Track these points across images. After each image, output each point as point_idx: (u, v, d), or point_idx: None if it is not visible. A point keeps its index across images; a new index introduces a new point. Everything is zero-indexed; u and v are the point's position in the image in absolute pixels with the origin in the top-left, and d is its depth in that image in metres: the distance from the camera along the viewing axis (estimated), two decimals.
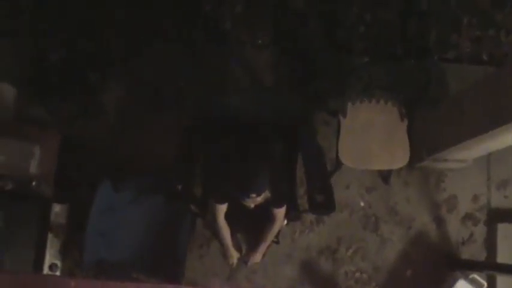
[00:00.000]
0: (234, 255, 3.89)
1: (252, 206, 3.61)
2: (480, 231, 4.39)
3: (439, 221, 4.36)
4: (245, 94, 4.23)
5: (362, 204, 4.35)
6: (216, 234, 3.89)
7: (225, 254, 3.89)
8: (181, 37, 4.31)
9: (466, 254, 4.34)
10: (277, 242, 3.98)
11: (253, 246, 3.89)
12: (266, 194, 3.57)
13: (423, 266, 4.29)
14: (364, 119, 4.00)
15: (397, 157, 3.99)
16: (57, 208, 3.91)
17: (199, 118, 3.95)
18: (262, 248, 3.87)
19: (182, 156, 3.89)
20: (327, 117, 4.30)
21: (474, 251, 4.35)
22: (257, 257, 3.88)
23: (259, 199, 3.55)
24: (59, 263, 3.88)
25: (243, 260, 3.91)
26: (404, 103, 4.00)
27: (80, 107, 4.12)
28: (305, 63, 4.38)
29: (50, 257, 3.89)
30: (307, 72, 4.36)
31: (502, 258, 4.29)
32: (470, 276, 4.16)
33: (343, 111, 4.00)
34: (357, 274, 4.25)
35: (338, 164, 4.11)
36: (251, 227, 3.90)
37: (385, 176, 4.34)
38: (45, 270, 3.84)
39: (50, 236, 3.89)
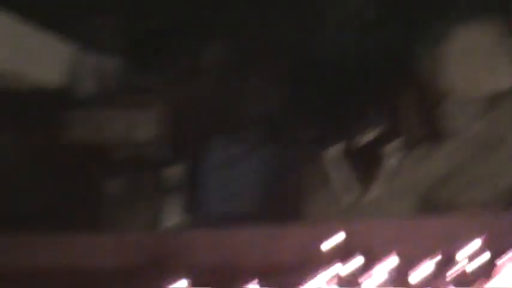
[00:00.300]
0: (345, 196, 3.90)
1: (360, 145, 3.60)
2: None
3: None
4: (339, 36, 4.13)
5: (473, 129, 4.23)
6: (329, 178, 3.90)
7: (338, 197, 3.91)
8: None
9: None
10: (387, 178, 3.96)
11: (366, 187, 3.89)
12: (376, 131, 3.55)
13: None
14: (468, 42, 3.92)
15: (503, 77, 3.91)
16: (173, 169, 3.98)
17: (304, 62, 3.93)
18: (376, 185, 3.87)
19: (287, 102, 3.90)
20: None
21: None
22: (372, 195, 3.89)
23: (368, 137, 3.54)
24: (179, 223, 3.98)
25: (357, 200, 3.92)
26: (506, 21, 3.87)
27: (183, 69, 4.14)
28: None
29: (170, 217, 3.97)
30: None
31: None
32: None
33: (445, 36, 3.91)
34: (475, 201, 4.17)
35: (446, 91, 4.02)
36: (363, 166, 3.90)
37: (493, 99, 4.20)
38: None
39: (168, 197, 3.98)
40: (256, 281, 2.70)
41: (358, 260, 2.59)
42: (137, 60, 4.08)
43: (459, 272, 2.16)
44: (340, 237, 2.81)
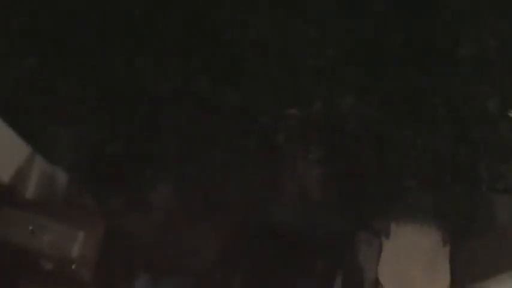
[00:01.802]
0: None
1: None
2: None
3: None
4: (291, 207, 4.26)
5: None
6: None
7: None
8: (236, 147, 4.39)
9: None
10: None
11: None
12: None
13: None
14: (407, 242, 3.99)
15: (438, 283, 3.93)
16: None
17: (244, 226, 3.99)
18: None
19: (222, 261, 3.90)
20: (370, 238, 4.26)
21: None
22: None
23: None
24: None
25: None
26: (448, 230, 3.99)
27: (128, 200, 4.17)
28: (353, 183, 4.42)
29: None
30: (354, 192, 4.39)
31: None
32: None
33: (386, 233, 4.00)
34: None
35: (377, 286, 4.05)
36: None
37: None
38: None
39: None
40: None
41: None
42: (86, 181, 4.12)
43: None
44: None
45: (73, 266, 3.77)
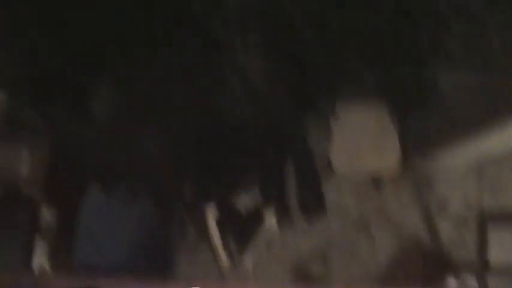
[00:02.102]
0: (225, 259, 3.88)
1: (243, 209, 3.61)
2: (471, 233, 4.37)
3: (430, 223, 4.34)
4: (236, 96, 4.21)
5: (353, 207, 4.31)
6: (206, 238, 3.87)
7: (215, 258, 3.87)
8: (172, 43, 4.26)
9: (457, 256, 4.31)
10: (266, 246, 3.96)
11: (243, 250, 3.88)
12: (256, 197, 3.57)
13: (415, 268, 4.26)
14: (355, 121, 4.00)
15: (388, 160, 3.99)
16: (46, 212, 3.88)
17: (191, 123, 3.95)
18: (252, 251, 3.86)
19: (173, 160, 3.88)
20: (318, 121, 4.26)
21: (465, 253, 4.33)
22: (247, 261, 3.87)
23: (249, 202, 3.55)
24: (47, 267, 3.85)
25: (234, 263, 3.90)
26: (396, 106, 3.99)
27: (71, 110, 4.07)
28: (297, 69, 4.35)
29: (38, 260, 3.85)
30: (299, 76, 4.33)
31: (493, 260, 4.27)
32: (462, 278, 4.14)
33: (334, 114, 3.98)
34: (348, 277, 4.22)
35: (329, 167, 4.09)
36: (241, 230, 3.89)
37: (376, 179, 4.32)
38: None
39: (38, 239, 3.86)
40: None
41: None
42: (26, 96, 4.00)
43: None
44: None
45: (22, 187, 3.75)
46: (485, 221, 4.38)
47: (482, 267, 4.31)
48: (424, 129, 4.00)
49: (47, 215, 3.89)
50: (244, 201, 3.57)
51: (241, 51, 4.13)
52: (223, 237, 3.87)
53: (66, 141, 4.00)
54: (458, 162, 4.15)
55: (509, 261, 4.20)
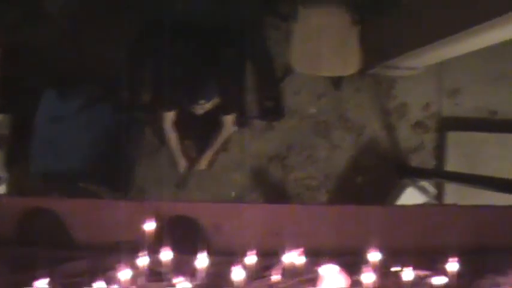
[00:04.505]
0: (182, 162, 3.86)
1: (201, 112, 3.56)
2: (430, 138, 4.39)
3: (390, 128, 4.34)
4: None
5: (312, 110, 4.29)
6: (164, 141, 3.84)
7: (174, 162, 3.85)
8: None
9: (415, 161, 4.35)
10: (224, 149, 3.94)
11: (202, 153, 3.85)
12: (215, 100, 3.52)
13: (373, 173, 4.30)
14: (316, 24, 3.91)
15: (349, 63, 3.93)
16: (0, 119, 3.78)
17: (148, 23, 3.84)
18: (210, 154, 3.84)
19: (131, 60, 3.80)
20: (278, 22, 4.17)
21: (423, 159, 4.37)
22: (204, 164, 3.85)
23: (208, 105, 3.51)
24: (4, 175, 3.77)
25: (191, 166, 3.88)
26: (356, 8, 3.91)
27: (21, 12, 3.93)
28: None
29: None
30: None
31: (450, 166, 4.31)
32: (419, 183, 4.18)
33: (294, 16, 3.89)
34: (307, 181, 4.25)
35: (288, 69, 4.04)
36: (200, 134, 3.86)
37: (336, 82, 4.28)
38: None
39: None
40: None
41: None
42: None
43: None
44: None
45: None
46: (444, 127, 4.41)
47: (440, 172, 4.36)
48: (385, 35, 3.95)
49: (1, 122, 3.79)
50: (204, 106, 3.50)
51: None
52: (181, 140, 3.83)
53: (20, 46, 3.86)
54: (419, 66, 4.12)
55: (464, 167, 4.25)
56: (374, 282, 1.99)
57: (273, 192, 4.22)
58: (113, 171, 3.85)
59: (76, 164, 3.79)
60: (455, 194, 4.22)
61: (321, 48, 3.91)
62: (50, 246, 2.21)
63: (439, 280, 2.12)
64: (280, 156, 4.24)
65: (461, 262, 2.09)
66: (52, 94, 3.74)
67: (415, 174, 4.25)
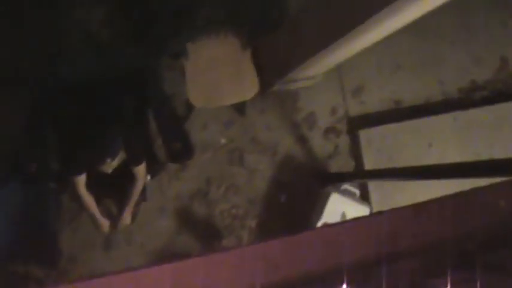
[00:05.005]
0: (104, 223, 3.80)
1: (110, 170, 3.52)
2: (343, 142, 4.43)
3: (302, 141, 4.36)
4: (82, 55, 4.05)
5: (223, 140, 4.27)
6: (82, 206, 3.78)
7: (95, 224, 3.79)
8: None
9: (334, 167, 4.39)
10: (144, 199, 3.90)
11: (121, 210, 3.80)
12: (121, 155, 3.49)
13: (295, 188, 4.31)
14: (208, 56, 3.91)
15: (247, 87, 3.94)
16: None
17: (41, 90, 3.79)
18: (130, 209, 3.79)
19: (31, 133, 3.73)
20: (170, 62, 4.15)
21: (342, 163, 4.40)
22: (127, 219, 3.80)
23: (115, 162, 3.47)
24: None
25: (114, 225, 3.83)
26: (244, 32, 3.94)
27: None
28: (138, 11, 4.20)
29: None
30: (142, 20, 4.18)
31: (369, 163, 4.37)
32: (342, 188, 4.22)
33: (184, 53, 3.89)
34: (233, 211, 4.24)
35: (190, 107, 4.03)
36: (115, 191, 3.81)
37: (239, 108, 4.26)
38: None
39: None
40: None
41: None
42: None
43: None
44: None
45: None
46: (355, 127, 4.47)
47: (360, 173, 4.41)
48: (276, 52, 3.97)
49: None
50: (111, 164, 3.46)
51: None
52: (99, 201, 3.78)
53: None
54: (317, 76, 4.16)
55: (382, 162, 4.32)
56: None
57: (202, 230, 4.20)
58: (37, 247, 3.77)
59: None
60: (378, 190, 4.29)
61: (216, 78, 3.92)
62: None
63: None
64: (201, 192, 4.22)
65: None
66: None
67: (337, 180, 4.29)
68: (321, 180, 4.32)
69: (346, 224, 2.86)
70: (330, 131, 4.40)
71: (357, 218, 2.66)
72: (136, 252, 4.00)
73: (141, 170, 3.65)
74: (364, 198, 4.26)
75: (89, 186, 3.65)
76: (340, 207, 4.11)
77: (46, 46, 4.01)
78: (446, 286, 1.98)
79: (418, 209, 2.43)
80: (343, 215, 4.08)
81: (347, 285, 2.02)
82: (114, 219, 3.82)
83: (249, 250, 2.60)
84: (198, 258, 2.70)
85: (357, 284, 2.07)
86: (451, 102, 4.56)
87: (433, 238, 2.28)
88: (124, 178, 3.68)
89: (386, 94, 4.49)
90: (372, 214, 2.67)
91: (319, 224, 4.03)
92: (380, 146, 4.35)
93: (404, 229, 2.42)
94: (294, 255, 2.39)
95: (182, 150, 3.90)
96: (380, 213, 2.57)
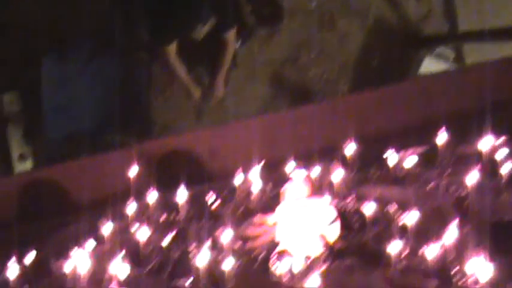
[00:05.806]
0: (197, 90, 3.84)
1: (201, 37, 3.52)
2: (438, 2, 4.26)
3: (395, 2, 4.21)
4: None
5: (313, 4, 4.17)
6: (173, 75, 3.81)
7: (187, 93, 3.83)
8: None
9: (427, 29, 4.23)
10: (234, 66, 3.89)
11: (212, 78, 3.82)
12: (212, 21, 3.47)
13: (387, 52, 4.21)
14: None
15: None
16: (7, 97, 3.78)
17: None
18: (222, 76, 3.80)
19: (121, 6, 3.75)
20: None
21: (435, 25, 4.24)
22: (220, 87, 3.82)
23: (206, 28, 3.46)
24: (26, 151, 3.79)
25: (207, 93, 3.86)
26: None
27: None
28: None
29: (15, 148, 3.79)
30: None
31: (464, 25, 4.19)
32: (436, 51, 4.09)
33: None
34: (325, 75, 4.18)
35: None
36: (206, 58, 3.82)
37: None
38: (15, 162, 3.76)
39: (8, 127, 3.79)
40: None
41: None
42: None
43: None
44: None
45: None
46: None
47: (454, 34, 4.25)
48: None
49: (8, 100, 3.79)
50: (202, 30, 3.45)
51: None
52: (190, 69, 3.80)
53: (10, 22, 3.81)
54: None
55: (479, 23, 4.13)
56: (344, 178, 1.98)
57: (294, 94, 4.18)
58: (131, 117, 3.85)
59: (95, 120, 3.78)
60: (474, 53, 4.13)
61: None
62: (48, 216, 2.23)
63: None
64: (292, 58, 4.16)
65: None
66: (52, 59, 3.69)
67: (430, 43, 4.15)
68: (414, 44, 4.19)
69: (445, 73, 2.79)
70: None
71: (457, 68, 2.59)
72: (229, 119, 4.03)
73: (231, 35, 3.63)
74: (459, 60, 4.11)
75: (180, 54, 3.66)
76: (434, 70, 4.01)
77: None
78: None
79: None
80: None
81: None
82: (206, 87, 3.85)
83: (340, 102, 2.60)
84: (287, 112, 2.71)
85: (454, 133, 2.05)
86: None
87: None
88: (215, 45, 3.67)
89: None
90: (472, 64, 2.54)
91: None
92: (476, 8, 4.15)
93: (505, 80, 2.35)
94: (388, 106, 2.37)
95: (271, 14, 3.84)
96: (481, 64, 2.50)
